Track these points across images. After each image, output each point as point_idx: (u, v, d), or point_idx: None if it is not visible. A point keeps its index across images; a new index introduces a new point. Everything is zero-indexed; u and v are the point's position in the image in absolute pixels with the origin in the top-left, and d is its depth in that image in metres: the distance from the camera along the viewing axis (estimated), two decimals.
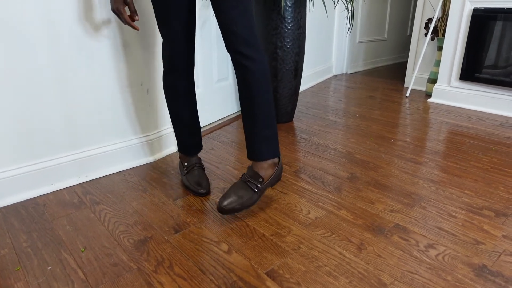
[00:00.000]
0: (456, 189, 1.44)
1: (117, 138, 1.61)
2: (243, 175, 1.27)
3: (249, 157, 1.27)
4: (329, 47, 3.43)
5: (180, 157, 1.54)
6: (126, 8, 1.47)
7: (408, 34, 4.29)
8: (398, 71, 3.79)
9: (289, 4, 1.92)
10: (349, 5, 1.93)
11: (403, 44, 4.29)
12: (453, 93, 2.53)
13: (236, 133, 2.08)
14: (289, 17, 1.95)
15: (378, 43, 3.96)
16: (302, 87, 3.03)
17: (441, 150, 1.81)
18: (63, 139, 1.45)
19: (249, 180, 1.24)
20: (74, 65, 1.39)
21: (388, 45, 4.10)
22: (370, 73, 3.70)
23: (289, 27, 1.97)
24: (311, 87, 3.14)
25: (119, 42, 1.49)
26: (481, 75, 2.37)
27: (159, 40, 1.63)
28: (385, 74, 3.66)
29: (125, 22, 1.20)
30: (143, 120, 1.67)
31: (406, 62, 4.23)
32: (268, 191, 1.44)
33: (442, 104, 2.57)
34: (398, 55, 4.29)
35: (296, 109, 2.49)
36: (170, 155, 1.78)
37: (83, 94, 1.45)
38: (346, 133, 2.05)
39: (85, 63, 1.42)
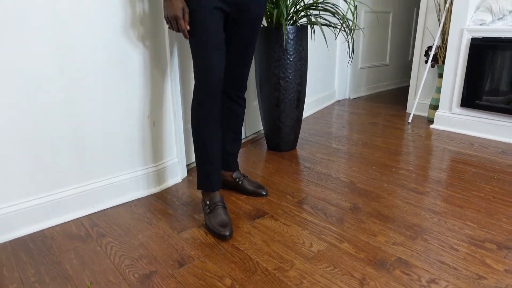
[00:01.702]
0: (458, 221, 1.45)
1: (123, 170, 1.65)
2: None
3: (234, 169, 1.70)
4: (332, 73, 3.49)
5: (202, 194, 1.51)
6: None
7: (409, 59, 4.36)
8: (400, 95, 3.84)
9: (291, 37, 1.99)
10: (349, 37, 2.00)
11: (405, 68, 4.36)
12: (455, 120, 2.56)
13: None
14: (291, 49, 2.01)
15: (380, 68, 4.02)
16: (306, 114, 3.08)
17: (443, 179, 1.83)
18: (71, 171, 1.49)
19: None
20: (82, 99, 1.45)
21: (390, 70, 4.16)
22: (373, 98, 3.75)
23: (291, 59, 2.03)
24: (315, 113, 3.19)
25: (126, 75, 1.55)
26: (481, 102, 2.40)
27: (165, 73, 1.69)
28: (387, 99, 3.70)
29: (180, 29, 1.26)
30: (149, 151, 1.71)
31: (408, 86, 4.29)
32: (272, 223, 1.46)
33: (444, 131, 2.60)
34: (400, 80, 4.34)
35: (300, 137, 2.53)
36: (175, 185, 1.82)
37: (92, 126, 1.50)
38: (348, 161, 2.08)
39: (93, 97, 1.48)
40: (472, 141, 2.38)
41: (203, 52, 1.30)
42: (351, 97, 3.76)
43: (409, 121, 2.84)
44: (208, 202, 1.46)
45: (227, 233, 1.34)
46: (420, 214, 1.51)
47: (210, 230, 1.40)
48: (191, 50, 1.33)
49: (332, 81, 3.53)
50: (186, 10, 1.26)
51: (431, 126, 2.69)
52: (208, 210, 1.44)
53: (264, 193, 1.68)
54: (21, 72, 1.28)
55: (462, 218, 1.47)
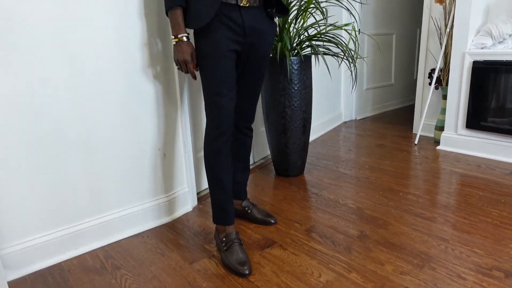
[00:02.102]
0: (465, 248, 1.46)
1: (135, 201, 1.70)
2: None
3: (243, 198, 1.76)
4: (337, 95, 3.55)
5: (217, 230, 1.53)
6: None
7: (414, 78, 4.41)
8: (406, 115, 3.87)
9: (295, 68, 2.06)
10: (352, 65, 2.06)
11: (411, 87, 4.40)
12: (461, 141, 2.58)
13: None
14: (295, 79, 2.08)
15: (386, 88, 4.07)
16: (313, 136, 3.12)
17: (450, 203, 1.85)
18: (86, 204, 1.55)
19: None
20: (98, 133, 1.53)
21: (396, 89, 4.21)
22: (379, 119, 3.78)
23: (296, 88, 2.10)
24: (322, 135, 3.24)
25: (141, 108, 1.63)
26: (487, 124, 2.43)
27: (176, 107, 1.76)
28: (393, 119, 3.74)
29: (189, 71, 1.36)
30: (160, 182, 1.77)
31: (414, 104, 4.32)
32: (281, 252, 1.49)
33: (451, 152, 2.62)
34: (406, 98, 4.38)
35: (307, 161, 2.57)
36: (185, 214, 1.87)
37: (106, 160, 1.57)
38: (356, 186, 2.11)
39: (109, 130, 1.55)
40: (479, 162, 2.39)
41: (217, 94, 1.36)
42: (358, 118, 3.80)
43: (416, 142, 2.87)
44: (224, 239, 1.47)
45: (247, 272, 1.35)
46: (427, 241, 1.52)
47: (228, 267, 1.40)
48: (204, 90, 1.40)
49: (338, 102, 3.59)
50: (195, 54, 1.35)
51: (438, 147, 2.72)
52: (225, 248, 1.45)
53: (272, 221, 1.72)
54: (40, 108, 1.37)
55: (470, 244, 1.48)
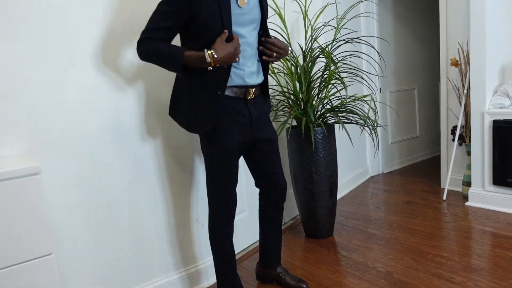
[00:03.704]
0: None
1: (162, 275, 1.80)
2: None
3: (277, 264, 1.84)
4: (363, 150, 3.67)
5: None
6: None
7: (439, 129, 4.46)
8: (433, 167, 3.89)
9: (319, 137, 2.23)
10: (373, 132, 2.21)
11: (437, 138, 4.43)
12: (489, 197, 2.60)
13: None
14: (320, 147, 2.25)
15: (411, 141, 4.15)
16: (341, 194, 3.21)
17: (480, 266, 1.87)
18: (134, 272, 1.72)
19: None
20: (143, 207, 1.73)
21: (422, 141, 4.27)
22: (406, 172, 3.83)
23: (321, 155, 2.26)
24: (350, 192, 3.32)
25: (174, 187, 1.83)
26: None
27: (191, 183, 1.95)
28: (420, 172, 3.78)
29: (236, 55, 1.35)
30: (185, 254, 1.88)
31: (440, 155, 4.34)
32: None
33: (480, 208, 2.63)
34: (432, 150, 4.41)
35: (336, 221, 2.65)
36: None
37: (150, 229, 1.75)
38: (385, 248, 2.17)
39: (140, 205, 1.75)
40: (509, 219, 2.40)
41: (227, 185, 1.50)
42: (385, 172, 3.87)
43: (444, 198, 2.90)
44: None
45: None
46: None
47: None
48: (211, 181, 1.51)
49: (364, 157, 3.70)
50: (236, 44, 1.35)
51: (466, 203, 2.74)
52: None
53: (304, 287, 1.81)
54: (98, 189, 1.59)
55: None
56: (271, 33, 2.39)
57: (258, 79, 1.53)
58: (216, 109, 1.41)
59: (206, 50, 1.31)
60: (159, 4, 1.35)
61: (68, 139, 1.47)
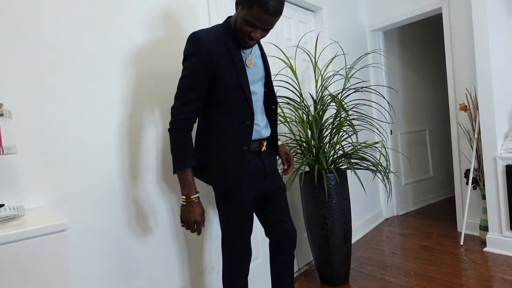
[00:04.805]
0: None
1: None
2: None
3: None
4: (377, 193, 3.66)
5: None
6: None
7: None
8: (448, 209, 3.85)
9: (332, 183, 2.27)
10: (385, 178, 2.23)
11: (450, 179, 4.41)
12: (508, 243, 2.55)
13: None
14: (333, 194, 2.27)
15: (425, 182, 4.13)
16: (356, 237, 3.18)
17: None
18: None
19: None
20: (159, 260, 1.75)
21: (435, 182, 4.24)
22: (421, 214, 3.79)
23: (334, 202, 2.28)
24: (364, 235, 3.29)
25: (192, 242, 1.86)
26: None
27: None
28: (436, 214, 3.73)
29: (198, 231, 1.40)
30: None
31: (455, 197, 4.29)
32: None
33: (500, 255, 2.58)
34: (446, 190, 4.37)
35: (352, 267, 2.62)
36: None
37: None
38: None
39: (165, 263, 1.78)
40: None
41: (241, 242, 1.53)
42: (399, 214, 3.83)
43: (461, 243, 2.85)
44: None
45: None
46: None
47: None
48: (227, 238, 1.53)
49: (377, 199, 3.68)
50: (204, 213, 1.41)
51: (485, 249, 2.68)
52: None
53: None
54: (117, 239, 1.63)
55: None
56: (283, 84, 2.50)
57: (268, 132, 1.61)
58: (240, 165, 1.46)
59: (188, 196, 1.37)
60: (182, 78, 1.44)
61: (88, 190, 1.54)
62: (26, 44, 1.39)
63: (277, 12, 1.33)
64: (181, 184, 1.38)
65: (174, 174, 1.43)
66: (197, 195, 1.39)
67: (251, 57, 1.52)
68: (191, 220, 1.38)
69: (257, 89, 1.54)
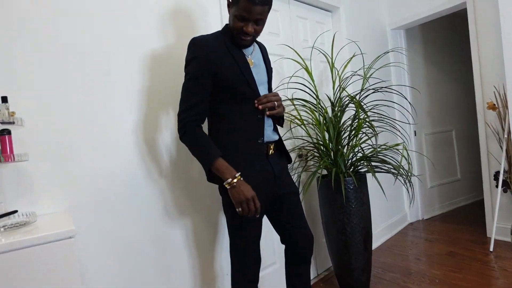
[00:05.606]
0: None
1: None
2: None
3: None
4: (400, 196, 3.54)
5: None
6: None
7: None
8: (477, 212, 3.66)
9: (350, 187, 2.19)
10: (407, 181, 2.14)
11: (479, 181, 4.21)
12: None
13: None
14: (352, 197, 2.20)
15: (452, 184, 3.96)
16: (378, 242, 3.08)
17: None
18: None
19: None
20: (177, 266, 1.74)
21: (463, 184, 4.06)
22: (448, 218, 3.63)
23: (353, 206, 2.20)
24: (388, 240, 3.17)
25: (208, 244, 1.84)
26: None
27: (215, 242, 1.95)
28: (463, 218, 3.56)
29: (257, 206, 1.35)
30: None
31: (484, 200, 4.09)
32: None
33: None
34: (475, 193, 4.17)
35: (373, 273, 2.53)
36: None
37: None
38: None
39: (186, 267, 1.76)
40: None
41: (250, 248, 1.48)
42: (425, 218, 3.69)
43: (491, 249, 2.70)
44: None
45: None
46: None
47: None
48: (235, 243, 1.49)
49: (401, 203, 3.55)
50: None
51: None
52: None
53: None
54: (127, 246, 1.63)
55: None
56: (300, 86, 2.46)
57: (275, 136, 1.58)
58: (249, 166, 1.42)
59: (233, 177, 1.34)
60: (185, 83, 1.42)
61: (102, 196, 1.54)
62: (39, 50, 1.41)
63: (264, 1, 1.34)
64: (220, 173, 1.35)
65: (208, 179, 1.44)
66: (239, 173, 1.36)
67: (252, 58, 1.51)
68: (247, 196, 1.33)
69: (261, 92, 1.53)
